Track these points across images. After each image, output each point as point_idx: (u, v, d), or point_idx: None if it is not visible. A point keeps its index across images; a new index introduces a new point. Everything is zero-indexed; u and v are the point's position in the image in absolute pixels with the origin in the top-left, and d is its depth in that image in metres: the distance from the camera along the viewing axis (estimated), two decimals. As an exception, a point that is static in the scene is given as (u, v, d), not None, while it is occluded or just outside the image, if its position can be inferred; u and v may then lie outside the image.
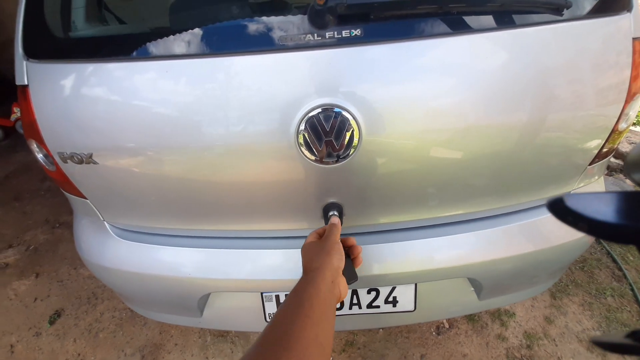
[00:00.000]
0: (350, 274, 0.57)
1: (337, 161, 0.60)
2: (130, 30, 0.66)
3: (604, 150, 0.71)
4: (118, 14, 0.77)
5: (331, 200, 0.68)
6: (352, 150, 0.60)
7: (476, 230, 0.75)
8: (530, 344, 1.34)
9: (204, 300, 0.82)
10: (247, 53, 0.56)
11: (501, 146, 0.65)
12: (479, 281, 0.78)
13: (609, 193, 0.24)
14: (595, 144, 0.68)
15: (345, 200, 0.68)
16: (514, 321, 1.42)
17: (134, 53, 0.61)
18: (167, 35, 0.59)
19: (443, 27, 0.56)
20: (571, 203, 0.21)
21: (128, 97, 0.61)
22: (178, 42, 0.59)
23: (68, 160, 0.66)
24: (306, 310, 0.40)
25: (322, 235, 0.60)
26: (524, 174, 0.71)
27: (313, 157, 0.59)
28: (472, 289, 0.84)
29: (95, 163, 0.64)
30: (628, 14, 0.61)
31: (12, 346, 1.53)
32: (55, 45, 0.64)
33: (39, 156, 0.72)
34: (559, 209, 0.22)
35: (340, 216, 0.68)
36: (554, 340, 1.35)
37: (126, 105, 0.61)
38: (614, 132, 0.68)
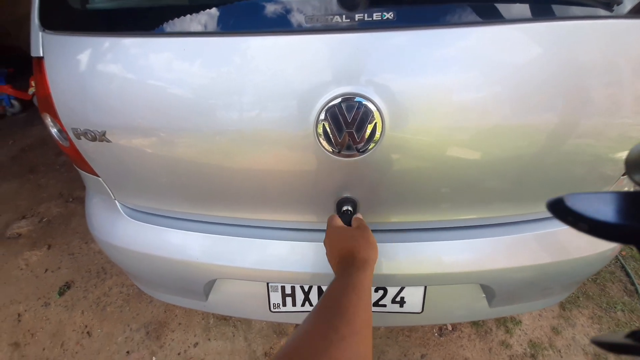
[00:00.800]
0: None
1: (356, 154, 0.57)
2: (148, 4, 0.63)
3: None
4: None
5: (346, 195, 0.65)
6: (373, 144, 0.57)
7: (492, 236, 0.72)
8: (534, 353, 1.31)
9: (209, 285, 0.82)
10: (269, 33, 0.53)
11: (527, 149, 0.61)
12: (492, 288, 0.76)
13: (609, 193, 0.23)
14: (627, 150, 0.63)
15: (361, 196, 0.65)
16: (520, 329, 1.39)
17: (151, 29, 0.58)
18: (186, 12, 0.56)
19: (481, 15, 0.51)
20: (571, 203, 0.21)
21: (143, 75, 0.59)
22: (196, 19, 0.56)
23: (81, 137, 0.65)
24: (363, 296, 0.43)
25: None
26: (549, 182, 0.67)
27: (331, 149, 0.57)
28: (484, 295, 0.81)
29: (108, 141, 0.63)
30: None
31: (19, 315, 1.58)
32: (72, 16, 0.62)
33: (53, 131, 0.72)
34: (559, 208, 0.22)
35: (354, 212, 0.66)
36: (560, 351, 1.32)
37: (141, 84, 0.59)
38: None
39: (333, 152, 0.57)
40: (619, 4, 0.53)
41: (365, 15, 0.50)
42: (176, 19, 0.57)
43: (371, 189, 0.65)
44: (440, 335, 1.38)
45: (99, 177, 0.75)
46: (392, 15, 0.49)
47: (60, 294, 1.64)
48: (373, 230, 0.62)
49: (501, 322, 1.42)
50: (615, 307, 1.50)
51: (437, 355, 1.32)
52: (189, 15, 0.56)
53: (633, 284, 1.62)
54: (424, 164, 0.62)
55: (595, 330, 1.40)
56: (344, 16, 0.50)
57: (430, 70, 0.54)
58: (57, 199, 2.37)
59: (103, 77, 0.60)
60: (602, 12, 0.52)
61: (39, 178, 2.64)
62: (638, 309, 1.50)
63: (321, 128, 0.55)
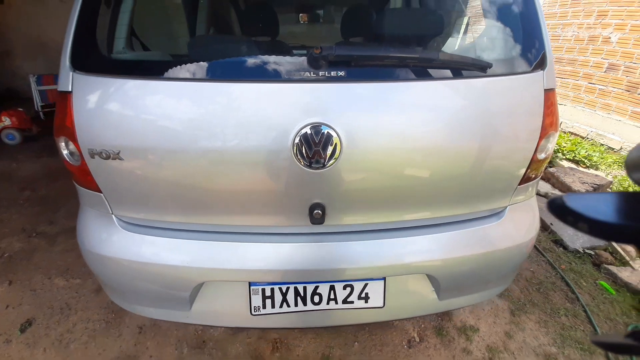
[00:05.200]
0: None
1: (322, 167, 0.76)
2: (159, 58, 0.83)
3: (529, 174, 0.91)
4: (148, 45, 0.94)
5: (316, 200, 0.82)
6: (334, 160, 0.76)
7: (433, 233, 0.91)
8: (492, 356, 1.44)
9: (196, 290, 0.90)
10: (259, 82, 0.74)
11: (447, 165, 0.84)
12: (437, 279, 0.92)
13: (609, 193, 0.24)
14: (520, 169, 0.89)
15: (327, 201, 0.83)
16: (478, 336, 1.53)
17: (160, 74, 0.77)
18: (188, 63, 0.76)
19: (401, 75, 0.77)
20: (571, 203, 0.21)
21: (153, 108, 0.76)
22: (199, 69, 0.76)
23: (96, 156, 0.77)
24: None
25: None
26: (470, 190, 0.90)
27: (304, 163, 0.75)
28: (433, 289, 0.97)
29: (120, 159, 0.76)
30: (542, 71, 0.85)
31: (-23, 354, 1.45)
32: (99, 62, 0.79)
33: (65, 152, 0.83)
34: (559, 208, 0.22)
35: (323, 215, 0.82)
36: (513, 353, 1.46)
37: (151, 114, 0.76)
38: (534, 162, 0.88)
39: (305, 166, 0.76)
40: (489, 68, 0.81)
41: (326, 72, 0.73)
42: (182, 67, 0.76)
43: (335, 195, 0.83)
44: (410, 347, 1.48)
45: (100, 192, 0.86)
46: (343, 73, 0.73)
47: (22, 330, 1.54)
48: (340, 232, 0.78)
49: (462, 330, 1.55)
50: (559, 312, 1.71)
51: (407, 365, 1.40)
52: (192, 65, 0.76)
53: (574, 292, 1.86)
54: (373, 175, 0.82)
55: (542, 333, 1.58)
56: (311, 72, 0.73)
57: (371, 107, 0.77)
58: (20, 234, 2.26)
59: (121, 109, 0.76)
60: (480, 73, 0.80)
61: (0, 213, 2.51)
62: (581, 314, 1.71)
63: (296, 148, 0.74)
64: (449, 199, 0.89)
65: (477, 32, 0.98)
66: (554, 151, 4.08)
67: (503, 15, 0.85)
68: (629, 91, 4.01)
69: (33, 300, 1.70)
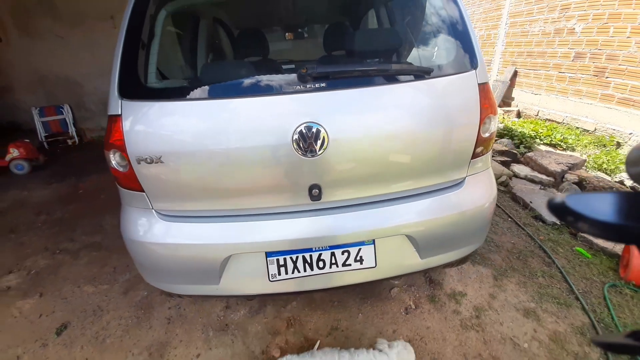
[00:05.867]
0: None
1: (315, 155, 1.00)
2: (185, 84, 1.07)
3: (478, 151, 1.16)
4: (167, 74, 1.19)
5: (313, 182, 1.06)
6: (323, 149, 1.00)
7: (408, 202, 1.15)
8: (478, 314, 1.66)
9: (224, 264, 1.12)
10: (265, 95, 0.99)
11: (411, 147, 1.09)
12: (415, 239, 1.15)
13: (609, 193, 0.24)
14: (470, 147, 1.13)
15: (322, 182, 1.06)
16: (466, 299, 1.75)
17: (188, 96, 1.01)
18: (205, 86, 1.01)
19: (371, 81, 1.03)
20: (571, 203, 0.21)
21: (184, 121, 1.00)
22: (216, 90, 1.00)
23: (141, 162, 1.00)
24: None
25: None
26: (432, 165, 1.14)
27: (301, 153, 0.99)
28: (414, 249, 1.20)
29: (162, 162, 0.99)
30: (475, 70, 1.11)
31: (18, 357, 1.61)
32: (140, 90, 1.04)
33: (114, 162, 1.06)
34: (559, 208, 0.22)
35: (320, 193, 1.06)
36: (497, 310, 1.68)
37: (183, 126, 1.00)
38: (480, 140, 1.13)
39: (302, 155, 0.99)
40: (431, 72, 1.07)
41: (312, 85, 0.99)
42: (203, 89, 1.00)
43: (327, 176, 1.06)
44: (407, 313, 1.69)
45: (143, 192, 1.08)
46: (325, 84, 0.98)
47: (58, 334, 1.71)
48: (336, 207, 1.01)
49: (452, 296, 1.77)
50: (536, 275, 1.93)
51: (405, 328, 1.61)
52: (213, 86, 1.00)
53: (550, 257, 2.09)
54: (353, 159, 1.06)
55: (522, 292, 1.80)
56: (301, 86, 0.98)
57: (348, 108, 1.02)
58: (43, 252, 2.44)
59: (159, 124, 0.99)
60: (427, 75, 1.06)
61: (20, 236, 2.69)
62: (557, 275, 1.94)
63: (295, 142, 0.98)
64: (417, 174, 1.14)
65: (428, 45, 1.24)
66: (532, 137, 4.37)
67: (446, 32, 1.13)
68: (596, 76, 4.34)
69: (65, 307, 1.88)
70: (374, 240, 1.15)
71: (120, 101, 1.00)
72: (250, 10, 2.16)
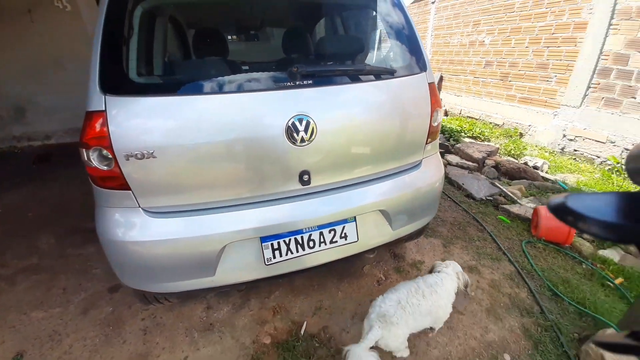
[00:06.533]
0: None
1: (305, 144, 1.13)
2: (173, 79, 1.10)
3: (430, 137, 1.43)
4: (158, 73, 1.19)
5: (303, 168, 1.18)
6: (313, 138, 1.14)
7: (381, 182, 1.36)
8: (436, 277, 1.96)
9: (219, 255, 1.16)
10: (258, 91, 1.08)
11: (381, 136, 1.29)
12: (388, 212, 1.37)
13: (609, 193, 0.24)
14: (425, 133, 1.40)
15: (311, 168, 1.20)
16: (424, 265, 2.06)
17: (176, 91, 1.05)
18: (207, 80, 1.06)
19: (346, 80, 1.20)
20: (572, 203, 0.22)
21: (180, 115, 1.02)
22: (211, 84, 1.06)
23: (130, 158, 0.99)
24: None
25: None
26: (397, 150, 1.37)
27: (292, 142, 1.11)
28: (387, 222, 1.41)
29: (154, 157, 1.00)
30: (425, 72, 1.37)
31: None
32: (125, 85, 1.02)
33: (94, 160, 1.02)
34: (560, 208, 0.22)
35: (309, 178, 1.19)
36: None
37: (175, 120, 1.02)
38: (431, 127, 1.40)
39: (293, 144, 1.11)
40: (394, 73, 1.30)
41: (301, 82, 1.11)
42: (190, 85, 1.05)
43: (315, 163, 1.20)
44: (379, 285, 1.92)
45: (129, 190, 1.06)
46: (311, 81, 1.12)
47: (13, 365, 1.50)
48: (324, 191, 1.16)
49: (413, 265, 2.06)
50: (473, 239, 2.35)
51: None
52: (204, 82, 1.06)
53: (482, 225, 2.55)
54: (338, 147, 1.22)
55: (465, 254, 2.18)
56: (293, 82, 1.10)
57: (332, 103, 1.17)
58: (-34, 283, 2.04)
59: (146, 119, 1.00)
60: (390, 75, 1.28)
61: None
62: (488, 238, 2.38)
63: (287, 131, 1.10)
64: (385, 157, 1.36)
65: (385, 51, 1.48)
66: (458, 131, 5.14)
67: (401, 42, 1.38)
68: (502, 80, 5.31)
69: (15, 336, 1.64)
70: (355, 218, 1.33)
71: (103, 97, 0.98)
72: (221, 11, 2.18)
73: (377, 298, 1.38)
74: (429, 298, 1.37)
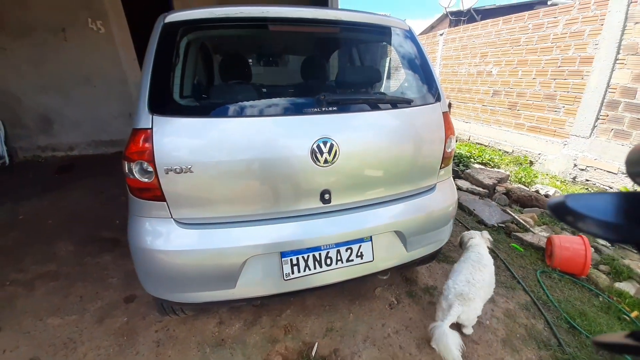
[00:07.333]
0: None
1: (328, 165, 1.21)
2: (213, 103, 1.22)
3: (444, 162, 1.50)
4: (197, 96, 1.32)
5: (325, 188, 1.25)
6: (335, 160, 1.22)
7: (397, 204, 1.41)
8: (448, 302, 1.95)
9: (241, 268, 1.20)
10: (287, 115, 1.19)
11: (399, 160, 1.37)
12: (403, 233, 1.41)
13: (609, 193, 0.24)
14: (439, 159, 1.47)
15: (332, 187, 1.27)
16: (437, 291, 2.04)
17: (209, 113, 1.15)
18: (241, 104, 1.17)
19: (365, 107, 1.30)
20: (571, 203, 0.22)
21: (217, 135, 1.12)
22: (246, 108, 1.16)
23: (169, 172, 1.08)
24: None
25: None
26: (412, 173, 1.44)
27: (317, 163, 1.19)
28: (402, 243, 1.45)
29: (191, 172, 1.09)
30: (439, 102, 1.46)
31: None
32: (170, 107, 1.14)
33: (136, 173, 1.11)
34: (560, 209, 0.22)
35: (330, 197, 1.25)
36: (462, 297, 1.99)
37: (216, 139, 1.12)
38: (445, 153, 1.47)
39: (318, 165, 1.19)
40: (411, 102, 1.39)
41: (326, 108, 1.21)
42: (229, 107, 1.16)
43: (336, 183, 1.27)
44: (391, 308, 1.90)
45: (164, 201, 1.14)
46: (336, 108, 1.22)
47: (26, 371, 1.51)
48: (343, 210, 1.22)
49: (425, 290, 2.04)
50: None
51: (392, 321, 1.81)
52: (245, 104, 1.17)
53: (494, 252, 2.52)
54: (358, 168, 1.29)
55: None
56: (320, 108, 1.20)
57: (354, 127, 1.26)
58: (-13, 286, 2.10)
59: (191, 137, 1.10)
60: (407, 105, 1.37)
61: (-52, 272, 2.27)
62: (501, 265, 2.34)
63: (313, 153, 1.18)
64: (402, 180, 1.42)
65: (396, 80, 1.60)
66: (468, 157, 5.20)
67: (415, 72, 1.49)
68: (510, 109, 5.43)
69: (30, 342, 1.67)
70: (371, 237, 1.37)
71: (151, 116, 1.09)
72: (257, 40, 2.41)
73: (447, 282, 1.59)
74: (484, 270, 1.58)
